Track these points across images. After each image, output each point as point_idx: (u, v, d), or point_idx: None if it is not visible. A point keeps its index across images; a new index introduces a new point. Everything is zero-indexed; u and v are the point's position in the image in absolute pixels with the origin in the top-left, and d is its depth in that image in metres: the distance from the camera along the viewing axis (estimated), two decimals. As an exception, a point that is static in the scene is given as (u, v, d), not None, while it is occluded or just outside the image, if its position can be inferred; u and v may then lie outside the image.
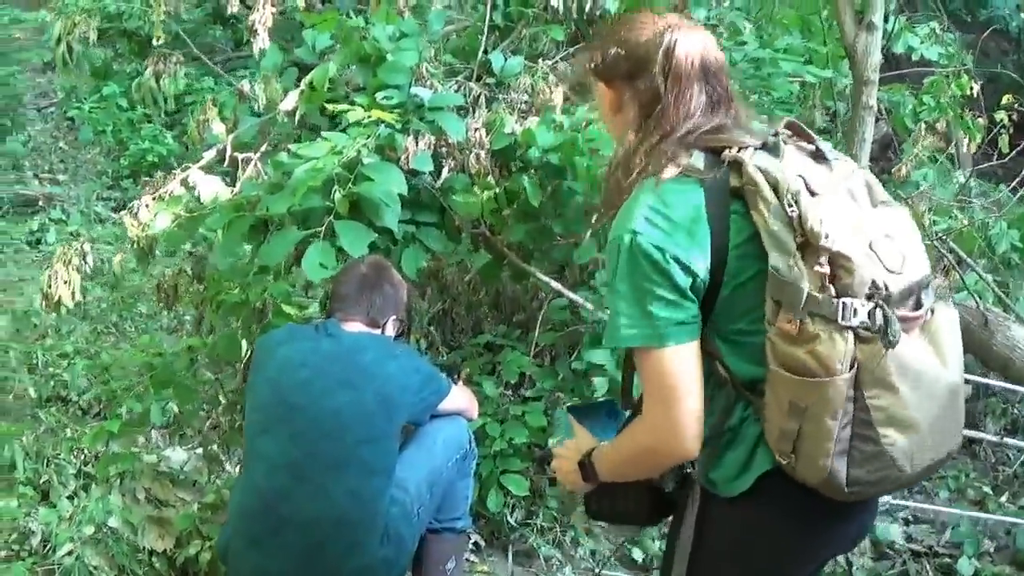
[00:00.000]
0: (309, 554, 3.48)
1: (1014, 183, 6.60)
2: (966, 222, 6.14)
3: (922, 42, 6.55)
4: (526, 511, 4.94)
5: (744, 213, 2.32)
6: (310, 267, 3.82)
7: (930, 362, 2.31)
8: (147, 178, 9.45)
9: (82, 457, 4.90)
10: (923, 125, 6.19)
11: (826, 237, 2.19)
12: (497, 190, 4.31)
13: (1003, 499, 5.62)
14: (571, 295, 4.77)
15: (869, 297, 2.21)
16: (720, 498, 2.48)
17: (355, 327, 3.76)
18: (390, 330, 3.87)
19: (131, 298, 7.08)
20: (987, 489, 5.65)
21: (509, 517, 4.85)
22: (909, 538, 5.15)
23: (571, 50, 5.04)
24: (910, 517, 5.32)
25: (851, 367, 2.21)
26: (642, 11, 2.91)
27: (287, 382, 3.60)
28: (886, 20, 5.83)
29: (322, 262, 3.82)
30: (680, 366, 2.29)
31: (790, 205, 2.23)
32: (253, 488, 3.59)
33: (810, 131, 2.47)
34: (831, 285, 2.20)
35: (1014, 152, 6.66)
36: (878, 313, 2.19)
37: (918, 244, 2.39)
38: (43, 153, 10.57)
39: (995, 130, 6.57)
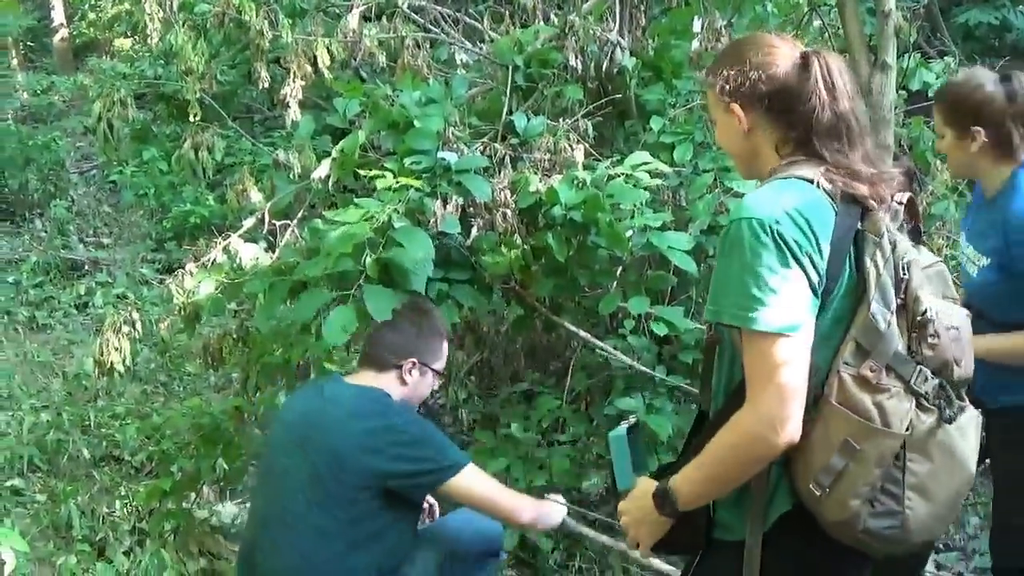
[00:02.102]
0: None
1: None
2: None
3: (937, 77, 6.68)
4: (566, 552, 5.10)
5: (858, 256, 2.40)
6: (332, 331, 3.91)
7: (963, 450, 2.40)
8: (191, 239, 9.86)
9: (136, 514, 5.13)
10: (939, 161, 6.30)
11: (925, 312, 2.32)
12: (524, 247, 4.48)
13: None
14: (599, 344, 4.93)
15: (936, 373, 2.34)
16: (730, 545, 2.51)
17: (360, 378, 3.78)
18: (410, 376, 3.79)
19: (179, 359, 7.31)
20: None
21: (548, 559, 5.02)
22: (938, 566, 5.27)
23: (591, 107, 5.21)
24: (940, 545, 5.44)
25: (907, 428, 2.30)
26: (759, 33, 3.00)
27: (273, 441, 3.81)
28: (900, 57, 5.99)
29: (344, 326, 3.92)
30: (801, 355, 2.30)
31: (903, 270, 2.36)
32: (243, 536, 3.91)
33: (919, 213, 2.57)
34: (914, 351, 2.33)
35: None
36: (942, 391, 2.34)
37: (972, 346, 2.48)
38: (87, 217, 10.84)
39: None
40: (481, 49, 5.97)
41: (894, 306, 2.33)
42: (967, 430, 2.43)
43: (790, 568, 2.50)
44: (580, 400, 5.41)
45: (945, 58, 7.09)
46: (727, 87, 2.58)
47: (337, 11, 6.25)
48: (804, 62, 2.50)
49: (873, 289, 2.34)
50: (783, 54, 2.53)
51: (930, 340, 2.32)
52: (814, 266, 2.32)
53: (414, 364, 3.80)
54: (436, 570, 3.74)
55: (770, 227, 2.31)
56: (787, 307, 2.28)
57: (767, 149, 2.57)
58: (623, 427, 2.79)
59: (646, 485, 2.61)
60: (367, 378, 3.79)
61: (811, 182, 2.40)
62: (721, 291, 2.40)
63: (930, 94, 6.75)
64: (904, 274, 2.35)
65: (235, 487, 5.49)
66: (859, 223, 2.41)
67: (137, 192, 10.50)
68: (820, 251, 2.34)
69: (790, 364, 2.28)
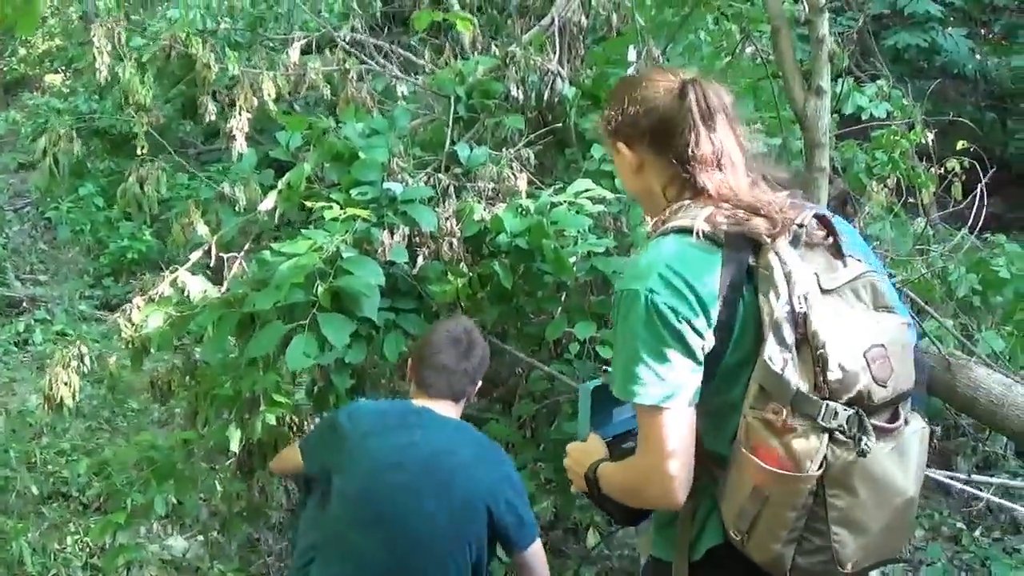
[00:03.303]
0: None
1: (965, 228, 6.84)
2: (925, 270, 6.39)
3: (870, 100, 6.84)
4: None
5: (753, 293, 2.38)
6: (294, 358, 4.05)
7: (894, 475, 2.36)
8: (129, 275, 9.88)
9: (87, 550, 5.15)
10: (874, 182, 6.44)
11: (824, 346, 2.25)
12: (470, 275, 4.57)
13: (977, 533, 5.90)
14: (547, 369, 5.02)
15: (850, 404, 2.27)
16: (666, 565, 2.60)
17: (445, 409, 3.76)
18: (466, 401, 3.92)
19: (121, 395, 7.32)
20: (961, 525, 5.92)
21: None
22: (885, 576, 5.40)
23: (531, 136, 5.31)
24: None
25: (820, 466, 2.26)
26: (648, 69, 3.01)
27: (383, 481, 3.54)
28: (834, 81, 6.14)
29: (306, 352, 4.05)
30: (676, 429, 2.33)
31: (799, 303, 2.29)
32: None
33: (836, 227, 2.49)
34: (819, 386, 2.26)
35: (968, 199, 6.95)
36: (856, 422, 2.26)
37: (908, 356, 2.43)
38: (23, 254, 10.80)
39: (948, 178, 6.85)
40: (419, 80, 6.05)
41: (792, 342, 2.29)
42: (906, 448, 2.40)
43: None
44: (526, 426, 5.49)
45: (877, 82, 7.25)
46: (610, 126, 2.64)
47: (272, 44, 6.34)
48: (681, 92, 2.51)
49: (767, 329, 2.31)
50: (662, 87, 2.55)
51: (830, 376, 2.25)
52: (694, 329, 2.33)
53: (476, 388, 4.01)
54: None
55: (645, 297, 2.33)
56: (663, 380, 2.32)
57: (657, 189, 2.58)
58: (592, 383, 2.86)
59: (594, 447, 2.74)
60: (447, 408, 3.80)
61: (690, 231, 2.38)
62: (613, 361, 2.49)
63: (863, 117, 6.95)
64: (800, 307, 2.29)
65: (183, 521, 5.52)
66: (752, 259, 2.38)
67: (73, 228, 10.49)
68: (703, 308, 2.33)
69: (667, 432, 2.33)
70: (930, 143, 6.73)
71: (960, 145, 7.05)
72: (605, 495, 2.65)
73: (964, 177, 6.90)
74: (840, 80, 6.66)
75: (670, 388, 2.32)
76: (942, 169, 6.81)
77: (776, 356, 2.28)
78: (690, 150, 2.48)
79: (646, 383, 2.33)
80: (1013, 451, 6.39)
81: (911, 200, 7.11)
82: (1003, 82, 13.14)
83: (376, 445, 3.62)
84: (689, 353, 2.33)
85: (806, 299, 2.30)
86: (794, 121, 5.53)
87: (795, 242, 2.40)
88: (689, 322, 2.32)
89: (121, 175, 10.51)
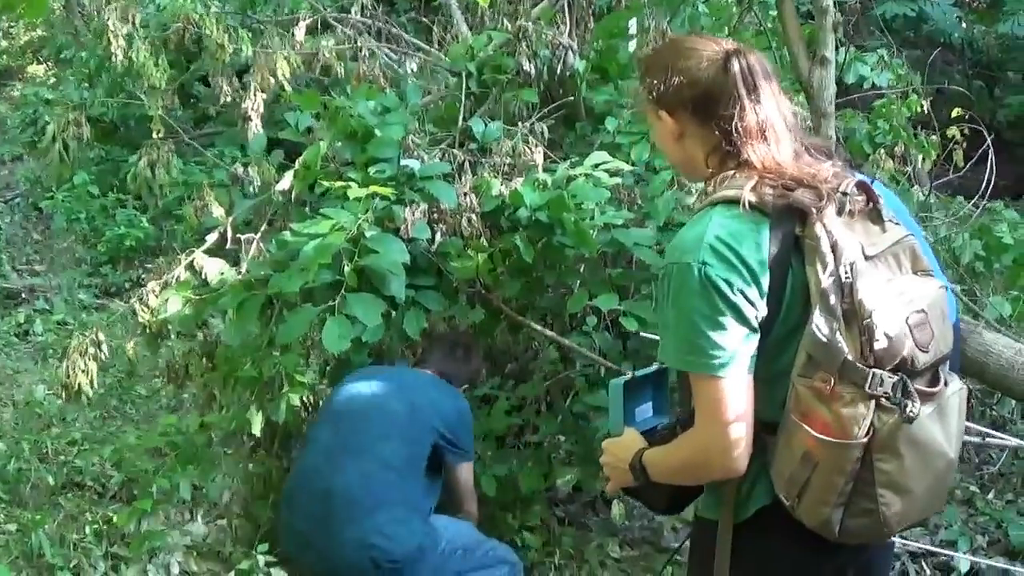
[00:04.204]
0: (321, 518, 4.22)
1: (977, 196, 6.86)
2: (929, 238, 6.39)
3: (872, 69, 6.85)
4: (544, 549, 5.24)
5: (800, 263, 2.38)
6: (331, 340, 4.08)
7: (937, 438, 2.38)
8: (127, 262, 9.82)
9: (107, 539, 5.12)
10: (881, 150, 6.45)
11: (870, 315, 2.27)
12: (491, 250, 4.58)
13: (990, 496, 5.93)
14: (567, 342, 5.02)
15: (895, 370, 2.28)
16: (711, 524, 2.59)
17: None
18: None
19: (129, 381, 7.28)
20: (975, 488, 5.94)
21: (526, 555, 5.11)
22: (903, 539, 5.40)
23: (546, 111, 5.30)
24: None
25: (867, 433, 2.28)
26: (687, 36, 3.00)
27: (345, 392, 4.54)
28: (836, 51, 6.15)
29: (340, 334, 4.08)
30: (736, 396, 2.35)
31: (846, 273, 2.30)
32: (301, 465, 4.53)
33: (876, 192, 2.47)
34: (865, 355, 2.27)
35: (969, 164, 6.98)
36: (901, 387, 2.27)
37: (947, 320, 2.44)
38: (17, 245, 10.70)
39: (949, 146, 6.87)
40: (428, 57, 6.03)
41: (839, 312, 2.30)
42: (947, 410, 2.42)
43: (768, 556, 2.56)
44: (541, 401, 5.49)
45: (878, 50, 7.26)
46: (653, 94, 2.61)
47: (261, 28, 6.29)
48: (725, 63, 2.49)
49: (815, 298, 2.32)
50: (705, 56, 2.52)
51: (876, 345, 2.27)
52: (748, 299, 2.34)
53: (466, 390, 4.90)
54: (461, 545, 4.44)
55: (698, 270, 2.33)
56: (721, 350, 2.33)
57: (700, 157, 2.58)
58: (622, 379, 2.87)
59: (631, 438, 2.73)
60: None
61: (736, 203, 2.38)
62: (664, 335, 2.50)
63: (865, 87, 6.96)
64: (847, 277, 2.30)
65: (203, 506, 5.50)
66: (799, 229, 2.38)
67: (69, 218, 10.38)
68: (754, 278, 2.34)
69: (726, 401, 2.34)
70: (927, 112, 6.74)
71: (955, 113, 7.06)
72: (652, 483, 2.64)
73: (964, 145, 6.94)
74: (843, 50, 6.66)
75: (728, 356, 2.33)
76: (941, 137, 6.82)
77: (824, 325, 2.30)
78: (734, 122, 2.47)
79: (705, 353, 2.34)
80: (1021, 415, 6.40)
81: (906, 168, 7.11)
82: (990, 50, 13.15)
83: (353, 378, 4.60)
84: (745, 322, 2.34)
85: (852, 268, 2.31)
86: (798, 91, 5.52)
87: (840, 211, 2.38)
88: (743, 293, 2.33)
89: (114, 163, 10.62)
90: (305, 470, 4.48)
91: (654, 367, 3.01)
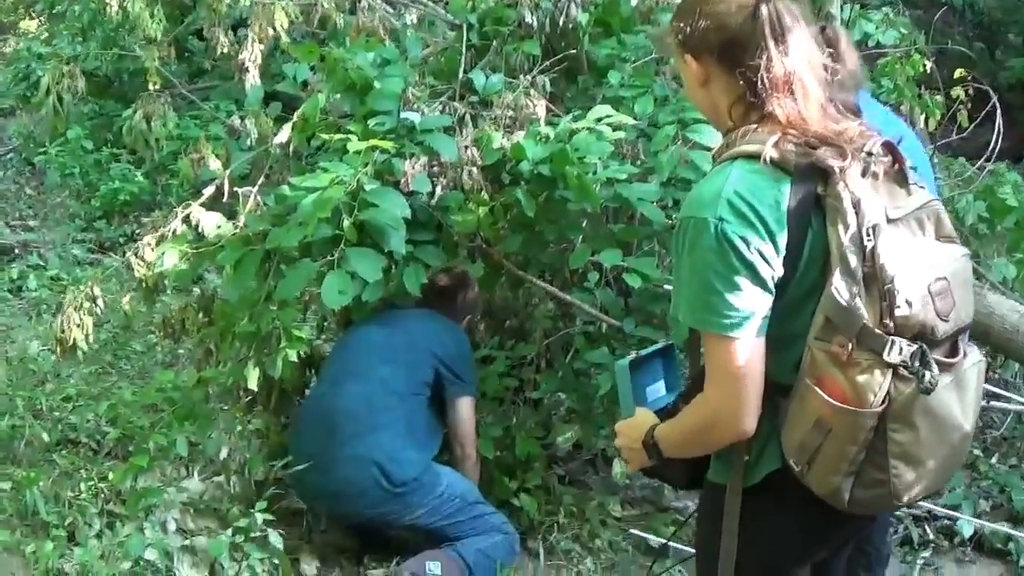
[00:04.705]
0: (325, 437, 4.59)
1: (983, 158, 6.82)
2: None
3: (877, 27, 6.77)
4: (546, 509, 5.22)
5: (821, 223, 2.32)
6: (330, 296, 4.11)
7: (953, 410, 2.35)
8: (121, 217, 9.77)
9: (103, 496, 5.07)
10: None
11: (892, 280, 2.22)
12: (492, 204, 4.54)
13: (994, 460, 5.90)
14: (568, 298, 5.03)
15: (914, 339, 2.23)
16: (720, 488, 2.56)
17: None
18: (464, 326, 5.11)
19: (123, 337, 7.23)
20: (978, 452, 5.91)
21: (529, 515, 5.12)
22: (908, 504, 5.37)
23: (547, 64, 5.23)
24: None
25: (883, 402, 2.24)
26: None
27: (352, 331, 5.02)
28: (841, 8, 6.08)
29: (341, 290, 4.10)
30: (748, 356, 2.31)
31: (868, 235, 2.25)
32: (310, 395, 5.08)
33: (903, 154, 2.43)
34: (884, 321, 2.23)
35: (972, 125, 6.93)
36: (919, 356, 2.22)
37: (969, 289, 2.41)
38: (10, 200, 10.65)
39: (954, 107, 6.81)
40: (428, 8, 5.95)
41: (860, 275, 2.25)
42: (965, 383, 2.39)
43: (776, 522, 2.54)
44: (540, 358, 5.47)
45: (883, 8, 7.18)
46: (680, 36, 2.53)
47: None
48: (754, 10, 2.40)
49: (835, 260, 2.27)
50: (735, 3, 2.43)
51: (897, 312, 2.22)
52: (764, 258, 2.29)
53: (469, 320, 5.22)
54: (461, 498, 4.66)
55: (714, 226, 2.28)
56: (735, 309, 2.28)
57: (723, 106, 2.50)
58: (627, 359, 2.82)
59: (643, 417, 2.68)
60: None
61: (757, 158, 2.32)
62: (677, 291, 2.45)
63: (869, 44, 6.88)
64: (869, 239, 2.25)
65: (198, 463, 5.46)
66: (821, 188, 2.31)
67: (62, 173, 10.30)
68: (772, 236, 2.29)
69: (738, 362, 2.31)
70: (931, 72, 6.67)
71: (957, 74, 7.01)
72: (669, 460, 2.62)
73: (969, 106, 6.89)
74: (847, 7, 6.59)
75: (741, 317, 2.29)
76: (945, 98, 6.76)
77: (843, 288, 2.25)
78: (760, 72, 2.38)
79: (718, 312, 2.30)
80: (1024, 378, 6.38)
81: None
82: (991, 12, 13.09)
83: (361, 320, 4.99)
84: (760, 282, 2.29)
85: (874, 230, 2.26)
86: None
87: (864, 172, 2.33)
88: (760, 252, 2.28)
89: (108, 117, 10.54)
90: (312, 397, 4.98)
91: (660, 344, 3.02)
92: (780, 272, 2.31)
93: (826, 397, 2.26)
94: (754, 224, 2.28)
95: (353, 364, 4.81)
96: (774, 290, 2.31)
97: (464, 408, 4.82)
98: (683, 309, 2.40)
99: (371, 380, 4.67)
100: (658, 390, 2.88)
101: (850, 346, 2.24)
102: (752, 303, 2.29)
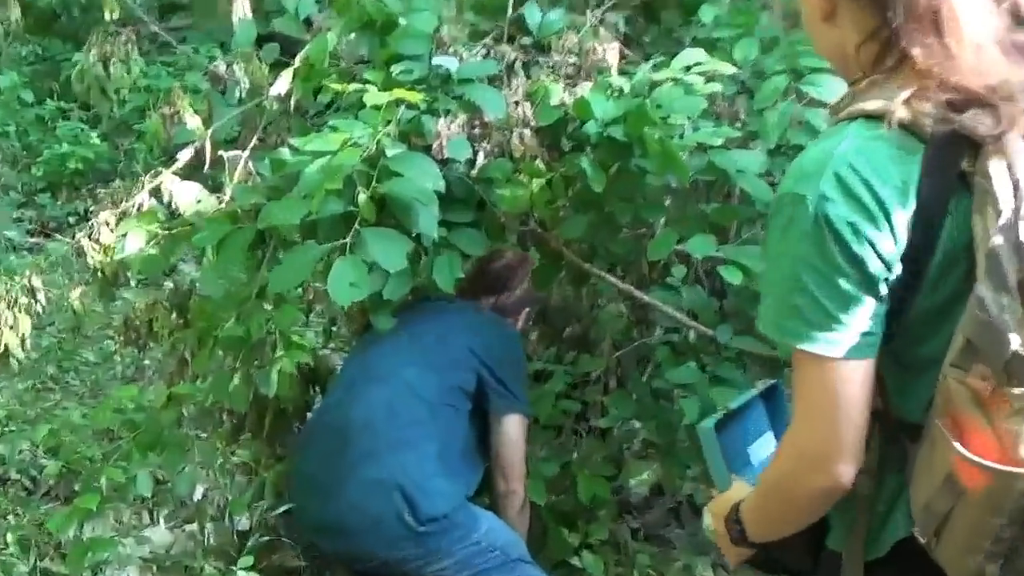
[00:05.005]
0: (332, 455, 4.53)
1: None
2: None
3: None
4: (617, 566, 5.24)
5: (964, 210, 2.16)
6: (339, 289, 3.98)
7: None
8: (72, 190, 9.82)
9: (36, 549, 5.11)
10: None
11: None
12: (549, 176, 4.51)
13: None
14: (646, 298, 5.01)
15: None
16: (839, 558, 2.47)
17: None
18: (521, 323, 5.17)
19: (72, 342, 7.26)
20: None
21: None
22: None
23: (617, -1, 5.21)
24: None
25: None
26: None
27: (374, 332, 4.87)
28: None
29: (353, 282, 4.00)
30: (846, 383, 2.20)
31: None
32: (321, 404, 5.08)
33: None
34: None
35: None
36: None
37: None
38: (-77, 169, 10.74)
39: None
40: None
41: (1013, 282, 2.04)
42: None
43: None
44: (609, 376, 5.48)
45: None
46: None
47: None
48: None
49: (981, 261, 2.08)
50: None
51: None
52: (878, 254, 2.15)
53: (528, 314, 5.22)
54: (496, 544, 4.57)
55: (814, 206, 2.16)
56: (832, 319, 2.18)
57: (850, 46, 2.35)
58: (711, 419, 2.77)
59: (740, 489, 2.64)
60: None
61: (882, 119, 2.18)
62: (763, 290, 2.37)
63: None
64: None
65: (162, 508, 5.50)
66: (966, 163, 2.16)
67: (-6, 131, 10.36)
68: (891, 225, 2.15)
69: (832, 389, 2.21)
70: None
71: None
72: (768, 546, 2.55)
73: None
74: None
75: (841, 330, 2.18)
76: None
77: (988, 299, 2.04)
78: (900, 3, 2.23)
79: (809, 321, 2.19)
80: None
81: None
82: None
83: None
84: (869, 285, 2.18)
85: None
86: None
87: None
88: (872, 244, 2.15)
89: (53, 61, 10.61)
90: (324, 407, 4.97)
91: (757, 387, 2.95)
92: (897, 273, 2.18)
93: (959, 447, 2.07)
94: (867, 207, 2.15)
95: (374, 367, 4.76)
96: (887, 297, 2.20)
97: (512, 428, 4.76)
98: (766, 315, 2.32)
99: (396, 384, 4.63)
100: (766, 446, 2.84)
101: (994, 380, 2.04)
102: (855, 312, 2.19)
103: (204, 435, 5.34)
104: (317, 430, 4.81)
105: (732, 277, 4.46)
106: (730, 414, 2.81)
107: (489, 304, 5.02)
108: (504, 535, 4.63)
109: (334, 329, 5.89)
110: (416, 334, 4.80)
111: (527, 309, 5.18)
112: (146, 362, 6.78)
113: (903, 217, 2.15)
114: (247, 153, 4.86)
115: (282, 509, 4.81)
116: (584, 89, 4.58)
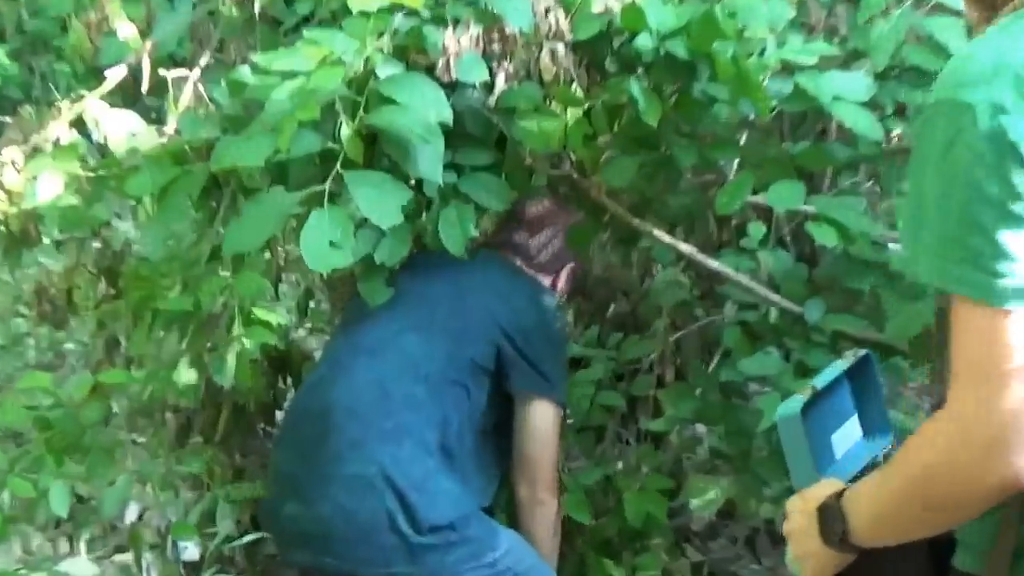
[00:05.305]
0: (311, 445, 4.51)
1: None
2: None
3: None
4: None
5: None
6: (315, 250, 3.96)
7: None
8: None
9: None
10: None
11: None
12: (589, 104, 4.49)
13: None
14: (712, 264, 4.98)
15: None
16: None
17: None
18: (563, 283, 5.08)
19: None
20: None
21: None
22: None
23: None
24: None
25: None
26: None
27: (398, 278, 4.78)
28: None
29: (334, 241, 3.97)
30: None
31: None
32: (301, 387, 5.06)
33: None
34: None
35: None
36: None
37: None
38: None
39: None
40: None
41: None
42: None
43: None
44: (665, 364, 5.48)
45: None
46: None
47: None
48: None
49: None
50: None
51: None
52: None
53: (572, 274, 5.11)
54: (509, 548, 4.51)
55: (987, 117, 2.12)
56: (1010, 261, 2.13)
57: None
58: (796, 401, 2.76)
59: (828, 486, 2.63)
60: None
61: None
62: (913, 226, 2.32)
63: None
64: None
65: (84, 532, 5.53)
66: None
67: None
68: None
69: (1011, 349, 2.14)
70: None
71: None
72: (877, 555, 2.51)
73: None
74: None
75: (1012, 275, 2.14)
76: None
77: None
78: None
79: (981, 264, 2.16)
80: None
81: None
82: None
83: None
84: None
85: None
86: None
87: None
88: None
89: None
90: (305, 388, 4.92)
91: (848, 359, 2.94)
92: None
93: None
94: None
95: (365, 335, 4.72)
96: None
97: (540, 419, 4.69)
98: (924, 257, 2.27)
99: (389, 356, 4.58)
100: (849, 436, 2.85)
101: None
102: None
103: (140, 438, 5.33)
104: (295, 417, 4.79)
105: (825, 238, 4.46)
106: (815, 398, 2.79)
107: (520, 259, 4.95)
108: (528, 559, 4.57)
109: (311, 305, 5.84)
110: (421, 292, 4.74)
111: (570, 266, 5.06)
112: (68, 345, 6.79)
113: None
114: (197, 73, 4.86)
115: (248, 539, 4.80)
116: (635, -7, 4.55)
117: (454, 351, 4.57)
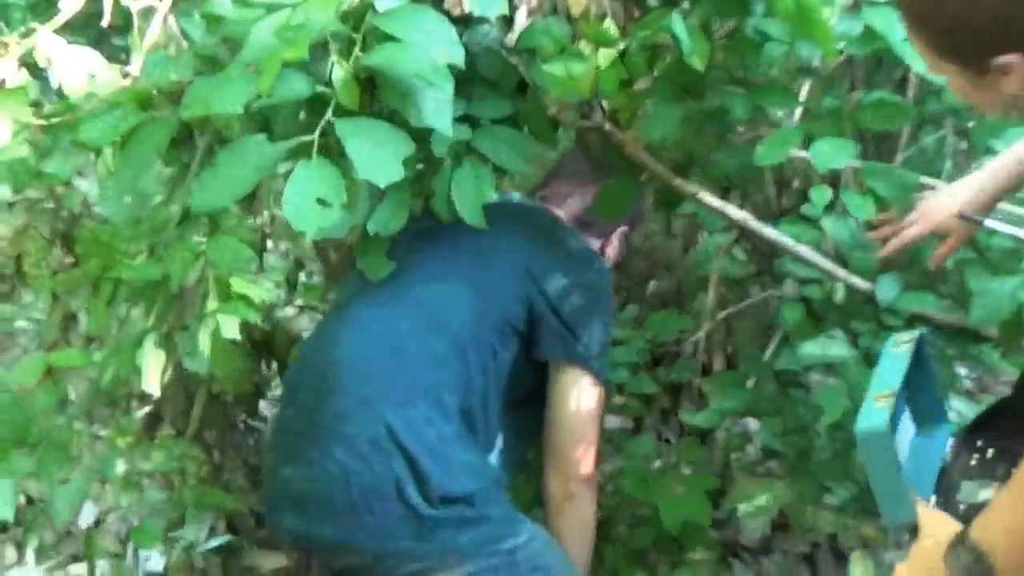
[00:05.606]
0: (315, 404, 4.53)
1: None
2: None
3: None
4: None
5: None
6: (301, 211, 3.88)
7: None
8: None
9: None
10: None
11: None
12: (623, 45, 4.49)
13: None
14: (767, 231, 4.98)
15: None
16: None
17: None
18: (613, 249, 5.17)
19: None
20: None
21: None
22: None
23: None
24: None
25: None
26: None
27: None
28: None
29: (320, 197, 3.88)
30: None
31: None
32: (304, 344, 5.13)
33: None
34: None
35: None
36: None
37: None
38: None
39: None
40: None
41: None
42: None
43: None
44: (710, 349, 5.48)
45: None
46: (937, 48, 2.73)
47: None
48: None
49: None
50: None
51: None
52: None
53: (625, 237, 5.19)
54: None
55: None
56: None
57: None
58: (880, 412, 2.75)
59: (936, 521, 2.59)
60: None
61: None
62: None
63: None
64: None
65: (33, 538, 5.54)
66: None
67: None
68: None
69: None
70: None
71: None
72: None
73: None
74: None
75: None
76: None
77: None
78: None
79: None
80: None
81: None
82: None
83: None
84: None
85: None
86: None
87: None
88: None
89: None
90: (311, 341, 5.00)
91: (904, 342, 2.99)
92: None
93: None
94: None
95: (379, 286, 4.72)
96: None
97: (576, 392, 4.70)
98: None
99: (405, 306, 4.64)
100: (905, 433, 2.91)
101: None
102: None
103: (100, 430, 5.32)
104: (299, 374, 4.78)
105: (859, 210, 4.54)
106: (898, 405, 2.79)
107: (566, 212, 4.99)
108: (551, 555, 4.56)
109: (302, 278, 5.82)
110: (445, 238, 4.73)
111: (622, 230, 5.10)
112: (19, 323, 6.80)
113: None
114: (167, 4, 4.85)
115: (215, 543, 4.80)
116: (680, -87, 4.53)
117: (481, 306, 4.60)
